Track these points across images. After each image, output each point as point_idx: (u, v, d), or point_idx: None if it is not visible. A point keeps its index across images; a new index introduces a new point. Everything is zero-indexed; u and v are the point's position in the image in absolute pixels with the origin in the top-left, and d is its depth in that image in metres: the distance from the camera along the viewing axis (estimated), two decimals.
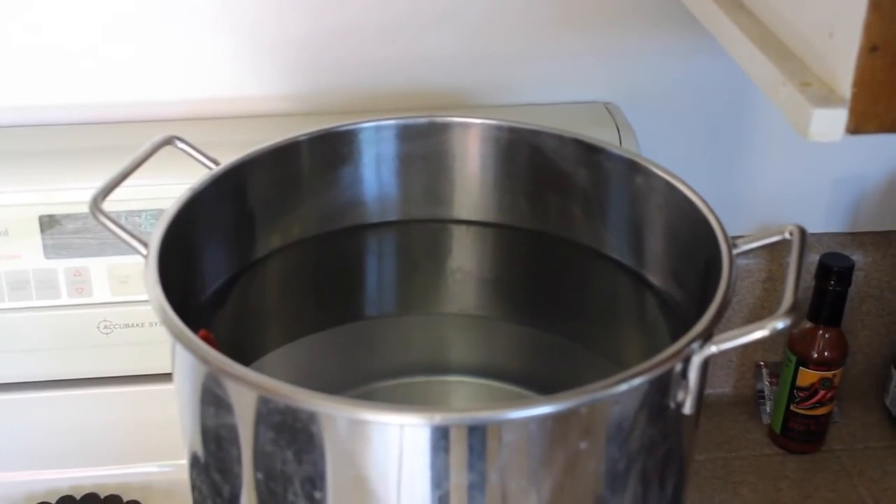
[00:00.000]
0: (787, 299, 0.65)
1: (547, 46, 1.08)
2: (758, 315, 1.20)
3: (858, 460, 1.15)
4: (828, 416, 1.15)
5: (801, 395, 1.13)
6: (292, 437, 0.62)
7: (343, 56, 1.05)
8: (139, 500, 1.05)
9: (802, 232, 0.73)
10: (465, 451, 0.61)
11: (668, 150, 1.10)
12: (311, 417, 0.61)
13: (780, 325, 0.64)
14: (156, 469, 1.08)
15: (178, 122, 1.04)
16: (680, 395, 0.66)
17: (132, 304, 1.01)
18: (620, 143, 1.02)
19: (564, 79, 1.10)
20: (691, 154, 1.14)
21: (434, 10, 1.04)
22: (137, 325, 1.01)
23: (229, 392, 0.64)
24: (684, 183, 0.80)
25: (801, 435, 1.15)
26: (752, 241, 0.76)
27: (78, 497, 1.05)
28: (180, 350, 0.66)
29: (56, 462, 1.08)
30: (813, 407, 1.14)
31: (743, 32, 0.72)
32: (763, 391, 1.21)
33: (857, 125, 0.59)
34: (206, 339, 0.64)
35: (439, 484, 0.62)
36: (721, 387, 1.24)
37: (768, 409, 1.20)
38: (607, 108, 1.08)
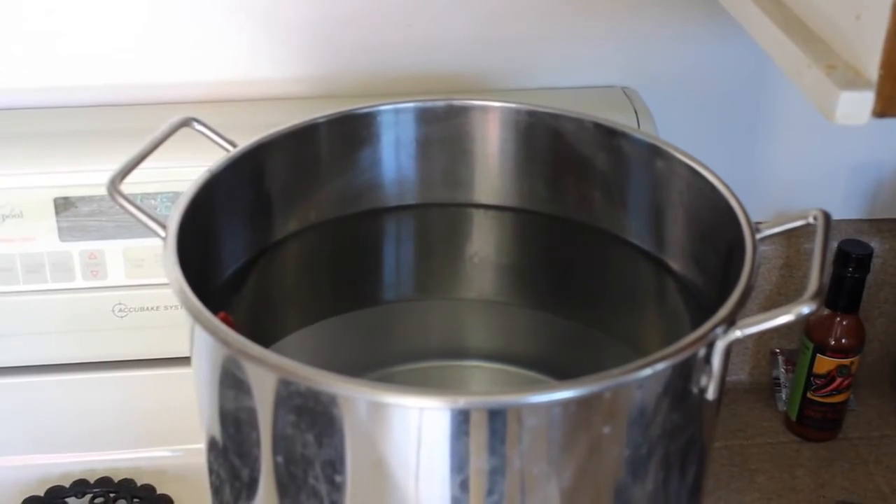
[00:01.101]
0: (813, 284, 0.65)
1: (564, 30, 1.07)
2: (774, 302, 1.19)
3: (875, 448, 1.14)
4: (844, 403, 1.15)
5: (818, 382, 1.13)
6: (313, 419, 0.62)
7: (359, 39, 1.05)
8: (153, 483, 1.05)
9: (827, 216, 0.72)
10: (487, 435, 0.61)
11: (685, 133, 1.08)
12: (333, 400, 0.60)
13: (805, 309, 0.63)
14: (169, 453, 1.08)
15: (195, 105, 1.03)
16: (703, 381, 0.65)
17: (147, 287, 1.00)
18: (639, 127, 1.02)
19: (581, 62, 1.09)
20: (708, 138, 1.13)
21: None
22: (152, 308, 1.01)
23: (249, 374, 0.63)
24: (706, 167, 0.79)
25: (817, 422, 1.15)
26: (774, 226, 0.75)
27: (92, 481, 1.05)
28: (199, 332, 0.65)
29: (70, 446, 1.07)
30: (830, 394, 1.13)
31: (766, 15, 0.72)
32: (779, 378, 1.21)
33: (884, 108, 0.58)
34: (225, 321, 0.64)
35: (460, 468, 0.62)
36: (737, 374, 1.23)
37: (784, 396, 1.19)
38: (625, 92, 1.07)
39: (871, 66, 0.58)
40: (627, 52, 1.09)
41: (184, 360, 0.72)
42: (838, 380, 1.12)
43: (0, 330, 1.01)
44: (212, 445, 0.72)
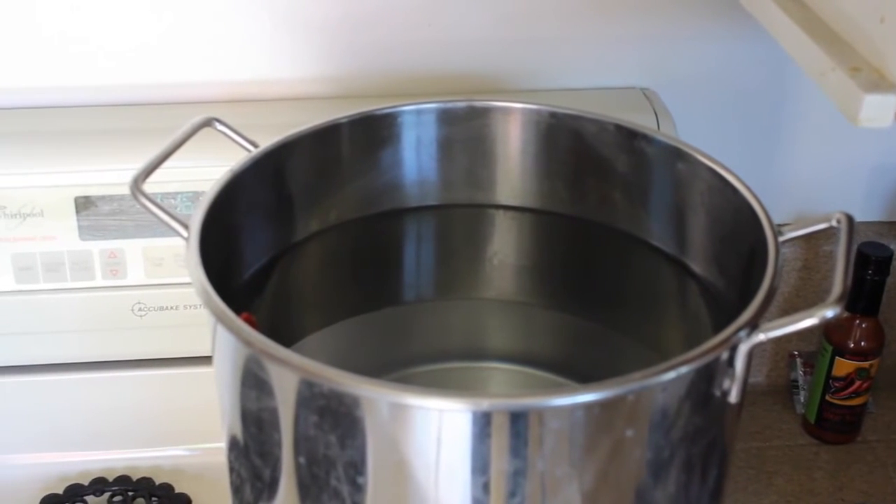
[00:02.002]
0: (837, 287, 0.65)
1: (583, 31, 1.07)
2: (793, 304, 1.19)
3: (893, 451, 1.14)
4: (863, 406, 1.14)
5: (837, 384, 1.12)
6: (336, 421, 0.62)
7: (379, 39, 1.05)
8: (171, 482, 1.05)
9: (850, 219, 0.72)
10: (510, 438, 0.61)
11: (704, 135, 1.08)
12: (356, 401, 0.60)
13: (829, 313, 0.63)
14: (188, 452, 1.08)
15: (215, 105, 1.04)
16: (726, 384, 0.65)
17: (166, 286, 1.01)
18: (658, 128, 1.01)
19: (601, 64, 1.09)
20: (727, 139, 1.13)
21: None
22: (171, 307, 1.01)
23: (272, 375, 0.63)
24: (728, 170, 0.79)
25: (835, 425, 1.14)
26: (797, 229, 0.75)
27: (110, 479, 1.05)
28: (222, 332, 0.66)
29: (89, 444, 1.08)
30: (848, 397, 1.13)
31: (789, 17, 0.72)
32: (797, 381, 1.20)
33: None
34: (248, 322, 0.64)
35: (483, 470, 0.62)
36: (755, 376, 1.23)
37: (802, 398, 1.19)
38: (644, 94, 1.07)
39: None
40: (647, 53, 1.09)
41: (203, 360, 0.72)
42: (857, 382, 1.12)
43: (20, 328, 1.01)
44: (233, 445, 0.72)
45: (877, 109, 0.59)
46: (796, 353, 1.21)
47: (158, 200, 0.92)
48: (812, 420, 1.15)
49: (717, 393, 0.65)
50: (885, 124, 0.60)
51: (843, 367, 1.11)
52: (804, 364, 1.20)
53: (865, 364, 1.11)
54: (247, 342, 0.63)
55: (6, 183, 0.96)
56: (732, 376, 0.65)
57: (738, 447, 1.14)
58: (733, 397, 0.66)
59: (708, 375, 0.64)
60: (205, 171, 0.87)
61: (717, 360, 0.64)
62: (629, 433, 0.63)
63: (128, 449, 1.08)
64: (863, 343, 1.10)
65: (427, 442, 0.61)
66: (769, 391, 1.22)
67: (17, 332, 1.02)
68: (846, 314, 1.11)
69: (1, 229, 0.97)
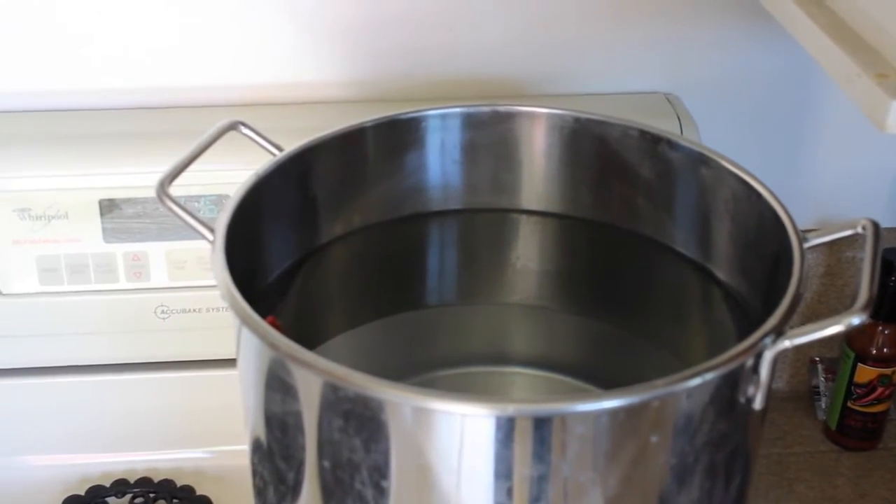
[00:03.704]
0: (864, 294, 0.64)
1: (606, 35, 1.07)
2: (815, 310, 1.19)
3: None
4: (885, 413, 1.14)
5: (859, 391, 1.12)
6: (361, 425, 0.62)
7: (401, 43, 1.05)
8: (192, 484, 1.05)
9: (876, 226, 0.71)
10: (534, 443, 0.61)
11: (728, 140, 1.08)
12: (381, 406, 0.60)
13: (855, 320, 0.63)
14: (209, 454, 1.09)
15: (239, 108, 1.04)
16: (750, 390, 0.65)
17: (189, 289, 1.01)
18: (682, 133, 1.01)
19: (624, 68, 1.09)
20: (751, 144, 1.13)
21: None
22: (194, 310, 1.01)
23: (297, 378, 0.64)
24: (752, 175, 0.79)
25: (857, 432, 1.14)
26: (822, 235, 0.75)
27: (132, 481, 1.05)
28: (247, 335, 0.66)
29: (111, 446, 1.08)
30: (870, 404, 1.12)
31: (814, 22, 0.72)
32: (818, 387, 1.20)
33: None
34: (273, 326, 0.64)
35: (506, 475, 0.62)
36: (776, 382, 1.22)
37: (824, 405, 1.19)
38: (668, 99, 1.07)
39: None
40: (670, 58, 1.09)
41: (225, 362, 0.73)
42: (879, 389, 1.11)
43: (44, 329, 1.02)
44: (256, 447, 0.72)
45: None
46: (818, 359, 1.21)
47: (182, 203, 0.94)
48: (833, 426, 1.15)
49: (742, 399, 0.65)
50: None
51: (865, 373, 1.11)
52: (825, 370, 1.20)
53: (888, 371, 1.11)
54: (272, 345, 0.63)
55: (31, 185, 0.96)
56: (757, 383, 0.65)
57: (760, 453, 1.14)
58: (758, 404, 0.66)
59: (733, 382, 0.64)
60: (229, 174, 0.88)
61: (742, 366, 0.63)
62: (654, 439, 0.63)
63: (149, 451, 1.08)
64: (885, 349, 1.10)
65: (451, 446, 0.61)
66: (790, 397, 1.22)
67: (42, 334, 1.02)
68: (869, 321, 1.10)
69: (26, 231, 0.97)
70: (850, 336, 1.12)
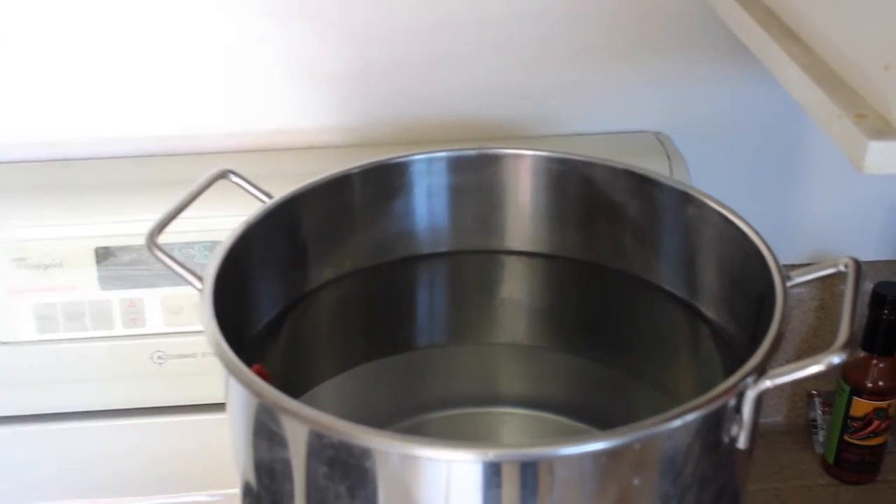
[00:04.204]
0: (843, 333, 0.65)
1: (596, 76, 1.08)
2: (810, 344, 1.19)
3: None
4: (882, 446, 1.14)
5: (855, 425, 1.12)
6: (345, 471, 0.62)
7: (393, 88, 1.06)
8: None
9: (858, 264, 0.72)
10: (518, 488, 0.61)
11: (719, 178, 1.09)
12: (365, 453, 0.61)
13: (836, 359, 0.63)
14: (207, 498, 1.09)
15: (231, 154, 1.05)
16: (734, 430, 0.66)
17: (185, 334, 1.01)
18: (671, 172, 1.02)
19: (614, 108, 1.09)
20: (742, 181, 1.14)
21: (482, 42, 1.04)
22: (190, 355, 1.02)
23: (283, 427, 0.64)
24: (737, 215, 0.79)
25: (855, 465, 1.14)
26: (805, 274, 0.76)
27: None
28: (234, 384, 0.66)
29: (109, 491, 1.08)
30: (867, 437, 1.12)
31: (796, 63, 0.72)
32: (816, 420, 1.20)
33: None
34: (259, 374, 0.65)
35: None
36: (773, 416, 1.23)
37: (821, 438, 1.19)
38: (657, 138, 1.08)
39: None
40: (660, 98, 1.09)
41: (221, 406, 0.73)
42: (875, 422, 1.11)
43: (41, 377, 1.02)
44: (247, 492, 0.73)
45: (882, 156, 0.60)
46: (814, 392, 1.21)
47: (177, 250, 0.95)
48: (831, 460, 1.15)
49: (726, 439, 0.66)
50: (891, 171, 0.60)
51: (861, 406, 1.11)
52: (823, 403, 1.20)
53: (884, 404, 1.11)
54: (258, 394, 0.64)
55: (28, 235, 0.97)
56: (740, 422, 0.65)
57: (757, 487, 1.14)
58: (742, 443, 0.66)
59: (715, 422, 0.64)
60: (223, 220, 0.88)
61: (724, 406, 0.64)
62: (637, 481, 0.63)
63: (148, 496, 1.09)
64: (880, 383, 1.10)
65: (436, 492, 0.62)
66: (788, 431, 1.22)
67: (40, 381, 1.03)
68: (863, 354, 1.10)
69: (23, 280, 0.98)
70: (845, 369, 1.12)
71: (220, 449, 1.01)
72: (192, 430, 1.06)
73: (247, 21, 1.01)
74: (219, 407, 1.03)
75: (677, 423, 0.61)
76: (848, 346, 0.64)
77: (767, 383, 0.64)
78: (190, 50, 1.02)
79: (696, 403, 0.62)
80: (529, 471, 0.61)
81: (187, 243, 0.98)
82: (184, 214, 0.78)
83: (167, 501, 1.09)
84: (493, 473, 0.61)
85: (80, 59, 1.01)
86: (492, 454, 0.60)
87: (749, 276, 0.77)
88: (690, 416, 0.62)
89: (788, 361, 0.65)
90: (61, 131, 1.04)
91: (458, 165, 0.89)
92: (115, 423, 1.06)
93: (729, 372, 0.65)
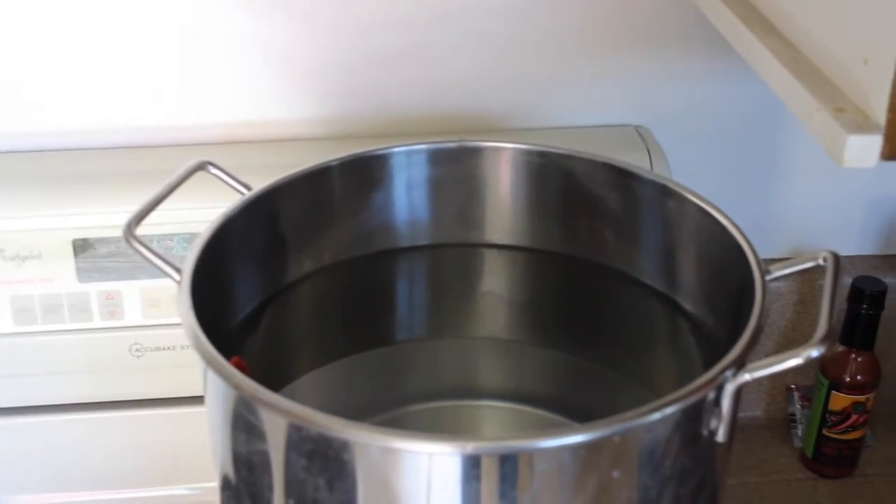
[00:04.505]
0: (822, 327, 0.65)
1: (577, 70, 1.08)
2: (790, 338, 1.19)
3: (892, 484, 1.14)
4: (861, 440, 1.14)
5: (834, 419, 1.12)
6: (324, 464, 0.62)
7: (373, 80, 1.06)
8: None
9: (836, 258, 0.72)
10: (497, 480, 0.61)
11: (699, 172, 1.10)
12: (343, 445, 0.61)
13: (814, 353, 0.63)
14: (186, 491, 1.09)
15: (211, 146, 1.04)
16: (713, 423, 0.66)
17: (163, 327, 1.01)
18: (651, 166, 1.02)
19: (595, 102, 1.10)
20: (723, 176, 1.14)
21: (463, 35, 1.04)
22: (168, 348, 1.02)
23: (262, 419, 0.64)
24: (717, 208, 0.79)
25: (833, 459, 1.14)
26: (784, 267, 0.76)
27: None
28: (212, 376, 0.66)
29: (87, 484, 1.08)
30: (845, 431, 1.13)
31: (776, 57, 0.72)
32: (794, 414, 1.20)
33: (892, 151, 0.59)
34: (237, 366, 0.64)
35: None
36: (752, 410, 1.23)
37: (800, 432, 1.19)
38: (638, 132, 1.08)
39: (879, 110, 0.58)
40: (640, 91, 1.09)
41: (200, 399, 0.73)
42: (854, 416, 1.12)
43: (19, 370, 1.02)
44: (225, 486, 0.73)
45: (861, 150, 0.59)
46: (793, 386, 1.21)
47: (155, 243, 0.95)
48: (810, 454, 1.15)
49: (705, 432, 0.66)
50: (869, 164, 0.60)
51: (840, 401, 1.11)
52: (801, 398, 1.20)
53: (862, 398, 1.11)
54: (236, 387, 0.64)
55: (5, 226, 0.97)
56: (719, 416, 0.65)
57: (736, 481, 1.14)
58: (721, 436, 0.66)
59: (694, 415, 0.64)
60: (202, 212, 0.88)
61: (703, 400, 0.64)
62: (616, 474, 0.63)
63: (126, 489, 1.08)
64: (859, 377, 1.11)
65: (415, 485, 0.62)
66: (767, 425, 1.22)
67: (17, 374, 1.02)
68: (842, 348, 1.11)
69: (0, 272, 0.98)
70: (824, 364, 1.12)
71: (199, 442, 1.00)
72: (170, 424, 1.06)
73: (226, 13, 1.01)
74: (197, 400, 1.02)
75: (656, 416, 0.61)
76: (826, 339, 0.64)
77: (746, 377, 0.64)
78: (168, 41, 1.02)
79: (675, 396, 0.62)
80: (508, 464, 0.61)
81: (166, 235, 0.97)
82: (162, 206, 0.77)
83: (146, 495, 1.08)
84: (472, 466, 0.60)
85: (58, 49, 1.01)
86: (470, 447, 0.59)
87: (728, 269, 0.77)
88: (669, 410, 0.62)
89: (767, 355, 0.66)
90: (38, 122, 1.04)
91: (438, 158, 0.88)
92: (93, 416, 1.06)
93: (708, 365, 0.65)
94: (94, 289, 0.99)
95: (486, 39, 1.05)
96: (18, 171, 1.02)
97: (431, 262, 0.93)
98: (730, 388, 0.64)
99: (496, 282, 0.94)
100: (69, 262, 0.98)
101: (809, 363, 0.64)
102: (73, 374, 1.03)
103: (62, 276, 0.98)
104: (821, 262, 0.73)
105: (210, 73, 1.04)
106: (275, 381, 0.65)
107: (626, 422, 0.61)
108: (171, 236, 0.98)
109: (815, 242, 1.18)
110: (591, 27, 1.06)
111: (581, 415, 0.63)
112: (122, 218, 0.75)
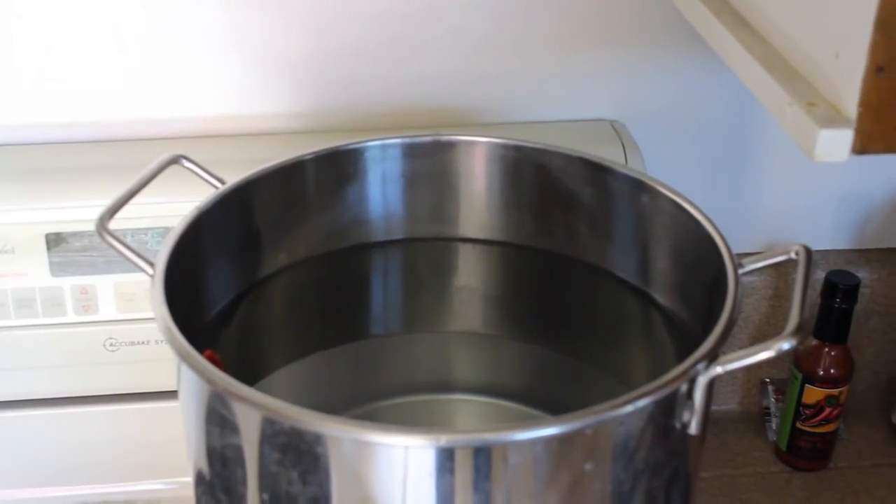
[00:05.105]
0: (793, 320, 0.65)
1: (552, 64, 1.08)
2: (764, 332, 1.20)
3: (864, 478, 1.15)
4: (834, 433, 1.15)
5: (808, 412, 1.13)
6: (298, 457, 0.62)
7: (348, 74, 1.06)
8: None
9: (808, 252, 0.73)
10: (471, 473, 0.61)
11: (673, 167, 1.10)
12: (317, 438, 0.61)
13: (785, 345, 0.64)
14: (161, 486, 1.08)
15: (185, 140, 1.04)
16: (685, 416, 0.66)
17: (138, 321, 1.01)
18: (626, 160, 1.02)
19: (570, 97, 1.10)
20: (697, 171, 1.14)
21: (439, 29, 1.04)
22: (143, 342, 1.01)
23: (235, 413, 0.64)
24: (690, 202, 0.80)
25: (807, 452, 1.15)
26: (757, 261, 0.76)
27: None
28: (185, 370, 0.66)
29: (63, 479, 1.07)
30: (819, 424, 1.13)
31: (748, 52, 0.72)
32: (769, 408, 1.21)
33: (863, 145, 0.59)
34: (211, 360, 0.64)
35: None
36: (727, 403, 1.23)
37: (774, 426, 1.19)
38: (613, 126, 1.08)
39: (850, 104, 0.59)
40: (615, 86, 1.10)
41: (174, 394, 0.73)
42: (827, 410, 1.12)
43: None
44: (199, 480, 0.73)
45: (832, 144, 0.60)
46: (768, 380, 1.22)
47: (129, 236, 0.94)
48: (784, 447, 1.16)
49: (678, 425, 0.66)
50: (840, 158, 0.61)
51: (813, 394, 1.12)
52: (776, 391, 1.21)
53: (835, 391, 1.12)
54: (209, 380, 0.63)
55: None
56: (692, 408, 0.66)
57: (711, 474, 1.14)
58: (693, 429, 0.66)
59: (667, 408, 0.65)
60: (176, 206, 0.88)
61: (675, 392, 0.64)
62: (589, 466, 0.63)
63: (102, 483, 1.08)
64: (832, 371, 1.11)
65: (389, 477, 0.62)
66: (741, 419, 1.23)
67: None
68: (815, 342, 1.11)
69: None
70: (797, 357, 1.13)
71: (174, 437, 1.00)
72: (145, 418, 1.06)
73: (199, 5, 1.01)
74: (172, 395, 1.02)
75: (629, 408, 0.62)
76: (798, 332, 0.65)
77: (719, 369, 0.65)
78: (142, 34, 1.01)
79: (647, 389, 0.62)
80: (482, 456, 0.61)
81: (140, 230, 0.97)
82: (137, 201, 0.77)
83: (120, 490, 1.08)
84: (445, 459, 0.60)
85: (30, 41, 1.00)
86: (444, 440, 0.60)
87: (701, 263, 0.78)
88: (642, 402, 0.62)
89: (741, 349, 0.66)
90: (11, 115, 1.03)
91: (413, 152, 0.88)
92: (67, 411, 1.05)
93: (681, 359, 0.65)
94: (68, 283, 0.99)
95: (462, 34, 1.05)
96: None
97: (406, 256, 0.93)
98: (702, 381, 0.65)
99: (470, 276, 0.94)
100: (42, 256, 0.97)
101: (782, 356, 0.65)
102: (47, 369, 1.02)
103: (35, 270, 0.98)
104: (793, 255, 0.74)
105: (183, 68, 1.03)
106: (249, 375, 0.65)
107: (598, 414, 0.61)
108: (145, 231, 0.97)
109: (789, 237, 1.18)
110: (567, 22, 1.06)
111: (555, 408, 0.63)
112: (96, 212, 0.75)
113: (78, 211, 0.96)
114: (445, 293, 0.93)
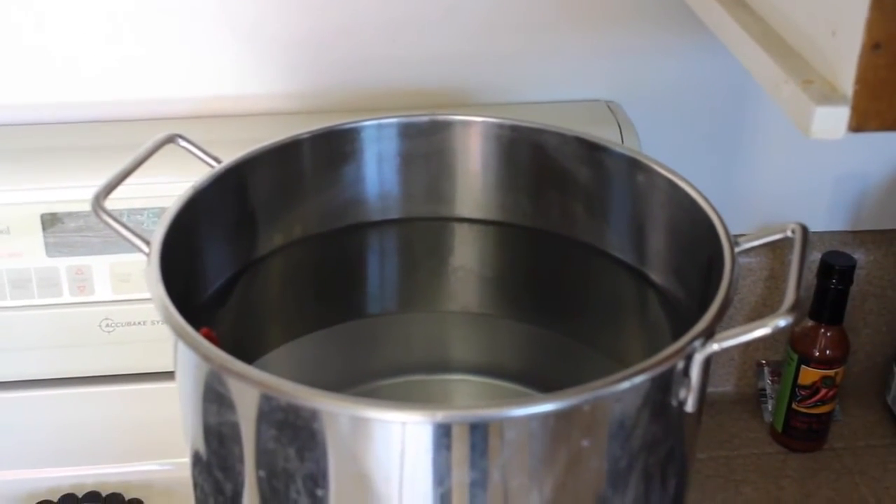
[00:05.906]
0: (789, 297, 0.65)
1: (548, 45, 1.08)
2: (760, 313, 1.20)
3: (860, 458, 1.15)
4: (829, 414, 1.15)
5: (803, 393, 1.13)
6: (294, 434, 0.62)
7: (344, 55, 1.05)
8: (141, 498, 1.05)
9: (804, 230, 0.73)
10: (468, 449, 0.61)
11: (669, 147, 1.10)
12: (314, 415, 0.61)
13: (781, 322, 0.64)
14: (157, 467, 1.08)
15: (180, 121, 1.04)
16: (682, 393, 0.66)
17: (134, 302, 1.01)
18: (622, 141, 1.02)
19: (566, 77, 1.10)
20: (693, 151, 1.14)
21: (435, 9, 1.04)
22: (139, 323, 1.01)
23: (231, 390, 0.64)
24: (686, 181, 0.80)
25: (802, 433, 1.15)
26: (754, 240, 0.76)
27: (80, 495, 1.05)
28: (182, 348, 0.66)
29: (58, 460, 1.08)
30: (815, 405, 1.14)
31: (744, 30, 0.72)
32: (765, 389, 1.21)
33: (859, 123, 0.59)
34: (207, 337, 0.64)
35: (441, 481, 0.62)
36: (723, 385, 1.24)
37: (770, 407, 1.20)
38: (609, 107, 1.08)
39: (847, 82, 0.59)
40: (611, 67, 1.09)
41: (171, 375, 0.73)
42: (823, 391, 1.13)
43: None
44: (196, 460, 0.73)
45: (829, 121, 0.60)
46: (763, 361, 1.22)
47: (125, 217, 0.94)
48: (779, 428, 1.16)
49: (674, 403, 0.66)
50: (836, 136, 0.61)
51: (809, 375, 1.12)
52: (771, 373, 1.21)
53: (831, 372, 1.12)
54: (206, 357, 0.63)
55: None
56: (688, 386, 0.66)
57: (707, 456, 1.15)
58: (690, 406, 0.67)
59: (663, 385, 0.65)
60: (171, 186, 0.87)
61: (672, 369, 0.64)
62: (586, 443, 0.63)
63: (97, 464, 1.08)
64: (828, 352, 1.11)
65: (386, 454, 0.62)
66: (737, 400, 1.23)
67: None
68: (811, 323, 1.11)
69: None
70: (793, 339, 1.13)
71: (170, 418, 1.00)
72: (140, 400, 1.06)
73: None
74: (168, 375, 1.02)
75: (626, 385, 0.62)
76: (794, 309, 0.65)
77: (715, 346, 0.65)
78: (136, 14, 1.01)
79: (644, 366, 0.62)
80: (478, 432, 0.61)
81: (136, 210, 0.97)
82: (132, 181, 0.77)
83: (116, 471, 1.08)
84: (442, 435, 0.60)
85: (24, 22, 1.00)
86: (441, 416, 0.60)
87: (697, 242, 0.78)
88: (639, 379, 0.62)
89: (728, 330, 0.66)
90: (4, 96, 1.03)
91: (409, 132, 0.88)
92: (63, 392, 1.05)
93: (677, 338, 0.65)
94: (64, 264, 0.99)
95: (458, 14, 1.05)
96: None
97: (402, 235, 0.93)
98: (699, 358, 0.65)
99: (467, 256, 0.94)
100: (38, 236, 0.97)
101: (778, 336, 0.65)
102: (43, 350, 1.02)
103: (31, 250, 0.98)
104: (789, 233, 0.74)
105: (179, 48, 1.03)
106: (245, 355, 0.64)
107: (595, 391, 0.61)
108: (141, 211, 0.97)
109: (785, 218, 1.18)
110: (563, 3, 1.06)
111: (552, 387, 0.62)
112: (91, 192, 0.75)
113: (73, 191, 0.96)
114: (441, 273, 0.93)
